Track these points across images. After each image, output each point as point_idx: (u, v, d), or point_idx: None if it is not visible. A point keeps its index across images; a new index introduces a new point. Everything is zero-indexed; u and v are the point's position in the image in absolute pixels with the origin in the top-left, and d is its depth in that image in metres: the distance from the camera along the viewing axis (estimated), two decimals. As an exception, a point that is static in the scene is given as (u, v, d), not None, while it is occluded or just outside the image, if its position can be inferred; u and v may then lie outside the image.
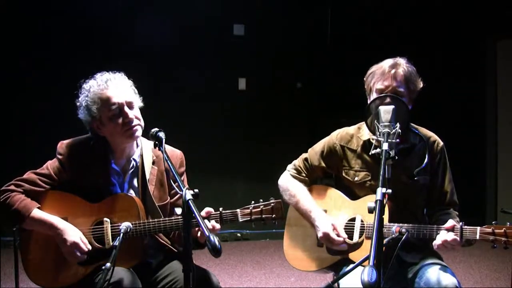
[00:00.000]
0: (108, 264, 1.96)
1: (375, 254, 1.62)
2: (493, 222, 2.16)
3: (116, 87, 2.33)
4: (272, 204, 2.34)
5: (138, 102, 2.39)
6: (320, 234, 2.40)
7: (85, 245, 2.24)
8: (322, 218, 2.43)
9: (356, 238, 2.37)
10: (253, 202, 2.36)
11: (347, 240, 2.37)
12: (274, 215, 2.34)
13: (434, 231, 2.21)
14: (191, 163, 2.56)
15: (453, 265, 4.73)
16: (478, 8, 6.09)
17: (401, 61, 2.41)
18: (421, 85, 2.43)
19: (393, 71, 2.35)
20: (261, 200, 2.36)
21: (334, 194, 2.55)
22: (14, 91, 5.35)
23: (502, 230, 2.11)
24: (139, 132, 2.35)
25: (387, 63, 2.40)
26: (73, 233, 2.24)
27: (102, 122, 2.32)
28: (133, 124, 2.31)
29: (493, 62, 6.38)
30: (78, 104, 2.38)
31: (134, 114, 2.33)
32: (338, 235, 2.37)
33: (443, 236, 2.16)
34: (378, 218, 1.69)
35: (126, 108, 2.31)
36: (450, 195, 2.47)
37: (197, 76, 5.92)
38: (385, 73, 2.36)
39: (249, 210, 2.33)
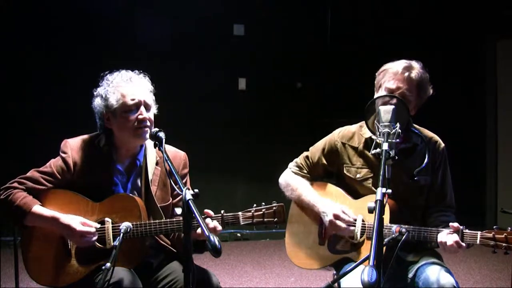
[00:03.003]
0: (108, 264, 1.96)
1: (375, 254, 1.62)
2: (494, 227, 2.15)
3: (139, 85, 2.36)
4: (274, 208, 2.34)
5: (154, 108, 2.40)
6: (330, 217, 2.37)
7: (91, 226, 2.24)
8: (328, 203, 2.43)
9: (357, 238, 2.37)
10: (255, 205, 2.35)
11: (350, 239, 2.38)
12: (276, 219, 2.33)
13: (434, 234, 2.21)
14: (191, 163, 2.56)
15: (453, 265, 4.73)
16: (478, 8, 6.10)
17: (416, 65, 2.38)
18: (431, 92, 2.40)
19: (406, 73, 2.33)
20: (263, 203, 2.35)
21: (335, 191, 2.54)
22: (14, 91, 5.35)
23: (503, 236, 2.09)
24: (147, 134, 2.34)
25: (401, 63, 2.37)
26: (75, 223, 2.23)
27: (115, 114, 2.32)
28: (145, 124, 2.31)
29: (493, 62, 6.39)
30: (95, 93, 2.39)
31: (149, 115, 2.34)
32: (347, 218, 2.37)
33: (455, 237, 2.15)
34: (378, 218, 1.69)
35: (142, 107, 2.32)
36: (448, 197, 2.47)
37: (197, 76, 5.93)
38: (398, 73, 2.34)
39: (251, 213, 2.32)
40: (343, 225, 2.35)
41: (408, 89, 2.32)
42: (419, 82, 2.34)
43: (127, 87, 2.33)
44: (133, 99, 2.31)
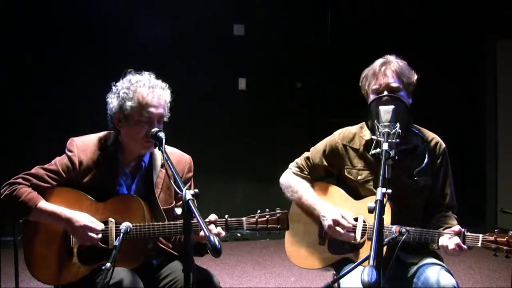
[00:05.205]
0: (108, 264, 1.96)
1: (375, 254, 1.62)
2: (495, 230, 2.15)
3: (159, 98, 2.31)
4: (278, 214, 2.35)
5: (165, 118, 2.38)
6: (329, 222, 2.37)
7: (97, 224, 2.24)
8: (328, 208, 2.43)
9: (358, 238, 2.37)
10: (259, 211, 2.35)
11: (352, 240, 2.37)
12: (279, 226, 2.35)
13: (436, 236, 2.21)
14: (191, 163, 2.56)
15: (453, 265, 4.73)
16: (478, 8, 6.10)
17: (391, 57, 2.42)
18: (415, 76, 2.43)
19: (383, 68, 2.37)
20: (267, 209, 2.36)
21: (336, 192, 2.54)
22: (14, 91, 5.35)
23: (505, 239, 2.10)
24: (153, 148, 2.33)
25: (377, 63, 2.42)
26: (81, 217, 2.23)
27: (127, 120, 2.30)
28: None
29: (493, 62, 6.39)
30: (114, 88, 2.36)
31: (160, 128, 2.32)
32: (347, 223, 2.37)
33: (456, 240, 2.15)
34: (378, 218, 1.70)
35: (155, 122, 2.30)
36: (449, 197, 2.47)
37: (197, 76, 5.93)
38: (376, 72, 2.38)
39: (255, 219, 2.33)
40: (341, 231, 2.36)
41: (393, 82, 2.35)
42: (398, 71, 2.37)
43: (148, 97, 2.28)
44: (149, 112, 2.28)
